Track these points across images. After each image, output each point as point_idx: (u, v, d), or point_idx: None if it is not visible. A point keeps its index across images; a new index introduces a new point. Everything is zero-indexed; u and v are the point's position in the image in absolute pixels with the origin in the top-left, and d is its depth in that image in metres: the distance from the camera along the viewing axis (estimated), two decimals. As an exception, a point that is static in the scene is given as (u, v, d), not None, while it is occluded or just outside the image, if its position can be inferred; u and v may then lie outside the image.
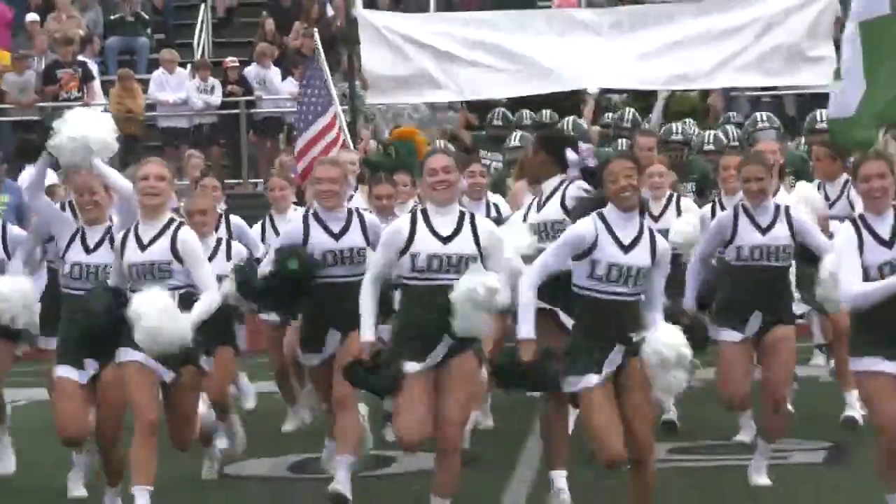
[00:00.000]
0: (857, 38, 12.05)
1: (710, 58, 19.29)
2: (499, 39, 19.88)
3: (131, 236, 11.05)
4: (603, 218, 10.15)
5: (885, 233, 9.92)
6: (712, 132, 19.07)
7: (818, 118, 17.37)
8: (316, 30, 23.15)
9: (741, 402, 12.64)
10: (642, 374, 10.24)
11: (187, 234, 11.08)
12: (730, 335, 12.25)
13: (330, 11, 28.83)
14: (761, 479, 12.07)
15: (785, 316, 12.41)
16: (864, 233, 9.92)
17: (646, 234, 10.20)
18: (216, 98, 27.45)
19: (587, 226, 10.16)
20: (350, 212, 11.86)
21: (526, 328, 10.17)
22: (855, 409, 14.00)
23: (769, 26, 19.21)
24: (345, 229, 11.74)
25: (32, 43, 28.58)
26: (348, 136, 19.36)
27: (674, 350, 10.06)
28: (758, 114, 19.28)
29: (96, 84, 27.77)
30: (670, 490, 12.23)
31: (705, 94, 23.83)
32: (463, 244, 10.58)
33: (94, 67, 28.11)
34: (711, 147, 18.02)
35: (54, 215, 12.21)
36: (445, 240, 10.60)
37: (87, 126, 11.90)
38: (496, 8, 24.71)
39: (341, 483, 11.53)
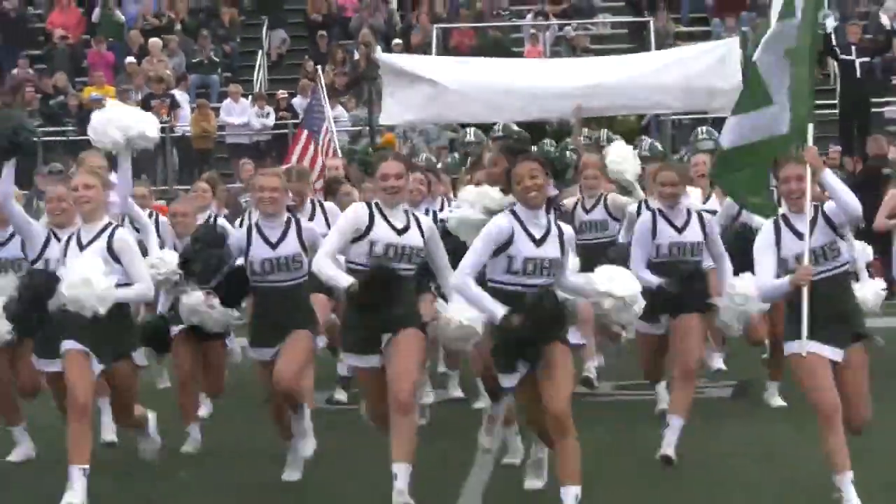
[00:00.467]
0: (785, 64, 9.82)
1: (644, 90, 19.16)
2: (481, 76, 19.82)
3: (73, 240, 9.60)
4: (516, 215, 8.62)
5: (802, 228, 8.72)
6: (650, 140, 18.86)
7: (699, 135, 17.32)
8: (319, 68, 23.04)
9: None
10: (560, 353, 8.66)
11: (123, 234, 9.60)
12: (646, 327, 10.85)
13: (356, 56, 28.80)
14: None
15: (697, 303, 10.81)
16: (783, 229, 8.79)
17: (553, 229, 8.67)
18: (270, 121, 27.32)
19: (505, 220, 8.65)
20: (289, 220, 10.00)
21: (494, 308, 8.51)
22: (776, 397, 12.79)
23: (686, 65, 19.07)
24: (281, 238, 9.88)
25: (132, 80, 28.45)
26: (337, 146, 19.16)
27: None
28: (699, 128, 18.76)
29: (181, 111, 27.65)
30: (612, 417, 12.27)
31: (640, 117, 23.65)
32: (413, 237, 9.12)
33: (183, 98, 27.98)
34: (647, 153, 17.67)
35: (22, 222, 10.56)
36: (400, 232, 9.14)
37: (131, 119, 11.02)
38: (482, 55, 24.65)
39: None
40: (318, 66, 23.57)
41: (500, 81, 19.53)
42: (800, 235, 8.71)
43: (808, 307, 8.60)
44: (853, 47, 26.01)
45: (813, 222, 8.77)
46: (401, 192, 9.23)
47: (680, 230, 10.91)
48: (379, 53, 22.08)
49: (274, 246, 9.84)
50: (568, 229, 8.87)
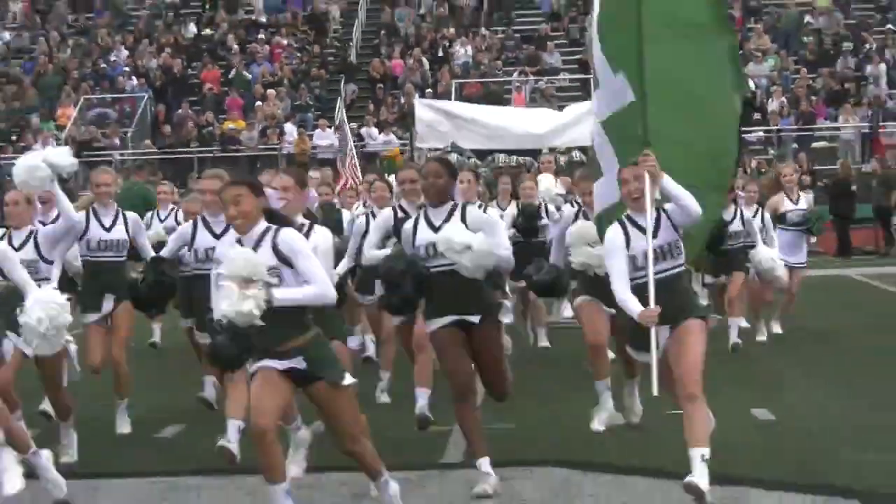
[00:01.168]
0: (603, 135, 7.09)
1: (587, 128, 18.85)
2: (485, 119, 19.70)
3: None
4: None
5: (646, 224, 6.35)
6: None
7: None
8: (344, 112, 22.94)
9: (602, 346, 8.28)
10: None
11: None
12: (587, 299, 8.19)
13: (402, 101, 28.75)
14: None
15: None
16: (630, 228, 6.35)
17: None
18: (346, 143, 27.37)
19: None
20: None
21: None
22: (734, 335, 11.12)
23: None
24: (225, 231, 7.42)
25: (255, 116, 28.45)
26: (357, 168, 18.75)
27: None
28: None
29: (287, 137, 27.42)
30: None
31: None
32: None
33: (289, 129, 27.64)
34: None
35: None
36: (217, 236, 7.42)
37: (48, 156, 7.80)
38: (482, 102, 24.59)
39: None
40: (388, 109, 23.47)
41: (495, 122, 19.46)
42: (644, 232, 6.36)
43: (654, 336, 6.30)
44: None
45: (656, 222, 6.42)
46: (290, 204, 6.70)
47: None
48: (416, 100, 22.10)
49: (218, 237, 7.61)
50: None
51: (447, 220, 6.65)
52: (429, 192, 6.79)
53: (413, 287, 6.53)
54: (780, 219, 12.21)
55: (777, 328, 12.40)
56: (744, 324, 11.77)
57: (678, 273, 6.45)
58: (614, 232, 6.43)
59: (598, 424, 8.12)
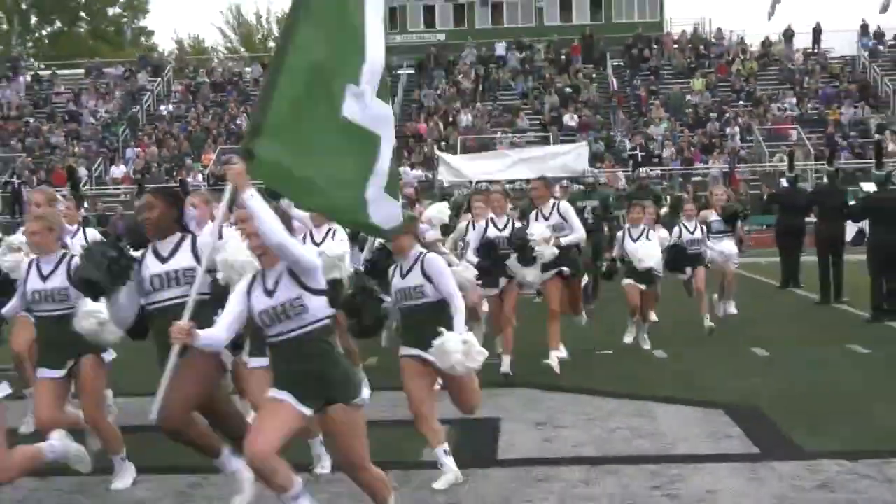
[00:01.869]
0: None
1: (542, 164, 18.23)
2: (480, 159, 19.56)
3: None
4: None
5: (270, 284, 3.66)
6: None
7: None
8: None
9: None
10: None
11: None
12: None
13: (425, 150, 28.80)
14: None
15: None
16: (256, 282, 3.72)
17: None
18: (389, 177, 27.02)
19: None
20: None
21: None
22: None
23: (557, 154, 18.13)
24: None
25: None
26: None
27: None
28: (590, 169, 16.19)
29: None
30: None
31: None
32: (57, 280, 4.51)
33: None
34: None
35: None
36: (44, 278, 4.52)
37: None
38: (479, 151, 24.50)
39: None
40: (415, 156, 23.12)
41: (488, 161, 19.34)
42: (268, 293, 3.67)
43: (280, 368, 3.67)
44: (637, 146, 26.24)
45: (276, 280, 3.68)
46: (41, 236, 4.47)
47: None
48: (436, 150, 22.05)
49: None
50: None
51: (174, 251, 4.35)
52: (149, 227, 4.36)
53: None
54: (708, 227, 10.81)
55: (732, 308, 10.55)
56: (733, 309, 10.46)
57: (305, 337, 3.65)
58: (244, 281, 3.80)
59: None
